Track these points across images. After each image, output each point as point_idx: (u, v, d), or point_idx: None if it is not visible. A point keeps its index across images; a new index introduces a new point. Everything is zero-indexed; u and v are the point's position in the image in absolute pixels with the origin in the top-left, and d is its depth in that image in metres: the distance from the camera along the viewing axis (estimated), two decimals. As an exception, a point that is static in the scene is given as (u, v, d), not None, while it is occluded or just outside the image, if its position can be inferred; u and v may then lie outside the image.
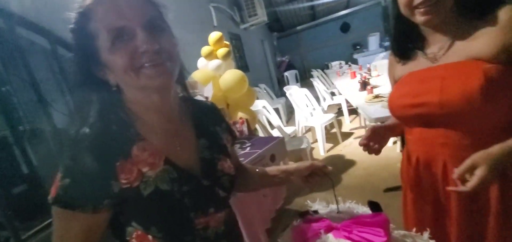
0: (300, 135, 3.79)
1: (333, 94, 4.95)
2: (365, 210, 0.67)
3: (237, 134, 1.93)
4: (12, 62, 1.50)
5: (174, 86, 0.59)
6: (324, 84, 5.39)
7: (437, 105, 0.70)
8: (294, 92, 3.88)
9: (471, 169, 0.62)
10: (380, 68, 4.16)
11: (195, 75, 2.22)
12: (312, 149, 3.60)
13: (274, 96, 6.24)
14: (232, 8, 5.74)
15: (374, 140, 0.88)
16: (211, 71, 2.31)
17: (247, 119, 1.89)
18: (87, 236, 0.51)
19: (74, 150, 0.50)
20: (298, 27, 10.53)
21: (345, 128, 4.24)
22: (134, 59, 0.49)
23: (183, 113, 0.63)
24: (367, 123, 3.81)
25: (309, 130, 4.10)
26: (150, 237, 0.54)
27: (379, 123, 0.91)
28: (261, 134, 3.00)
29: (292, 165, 0.75)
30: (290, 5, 8.55)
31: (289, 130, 3.49)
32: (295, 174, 0.73)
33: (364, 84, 3.03)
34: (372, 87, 2.81)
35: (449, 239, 0.79)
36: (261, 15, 6.04)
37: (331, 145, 3.71)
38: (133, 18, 0.49)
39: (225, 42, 2.43)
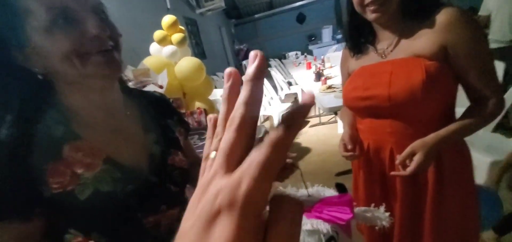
0: (258, 123, 3.83)
1: (290, 84, 5.10)
2: (332, 192, 0.72)
3: (195, 124, 1.86)
4: None
5: (118, 74, 0.52)
6: (282, 74, 5.51)
7: (386, 98, 0.76)
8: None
9: (411, 155, 0.73)
10: (332, 60, 4.40)
11: (148, 62, 2.06)
12: (270, 137, 3.68)
13: (232, 85, 6.16)
14: (188, -9, 5.45)
15: (354, 146, 0.90)
16: (166, 58, 2.16)
17: (205, 109, 1.83)
18: None
19: None
20: (256, 15, 10.50)
21: (301, 117, 4.41)
22: (82, 44, 0.44)
23: (128, 106, 0.57)
24: (321, 111, 4.02)
25: (267, 118, 4.17)
26: None
27: (346, 129, 0.95)
28: (219, 123, 2.94)
29: None
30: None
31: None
32: None
33: (319, 75, 3.17)
34: (326, 78, 2.96)
35: (395, 215, 0.88)
36: (218, 0, 5.87)
37: (288, 133, 3.84)
38: None
39: (180, 27, 2.29)
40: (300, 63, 5.33)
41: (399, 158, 0.75)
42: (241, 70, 8.70)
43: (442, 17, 0.70)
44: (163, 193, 0.56)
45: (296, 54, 6.75)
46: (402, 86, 0.73)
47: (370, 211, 0.66)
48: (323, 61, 4.14)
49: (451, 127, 0.74)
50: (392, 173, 0.80)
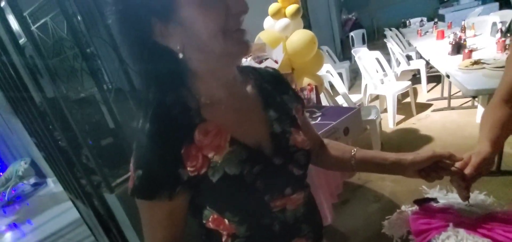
0: (366, 104, 3.47)
1: (409, 58, 4.32)
2: (503, 205, 0.58)
3: (305, 102, 1.84)
4: (94, 24, 1.63)
5: None
6: (400, 46, 4.71)
7: None
8: (363, 55, 3.48)
9: None
10: (478, 27, 3.40)
11: (262, 36, 2.13)
12: (380, 120, 3.29)
13: (336, 60, 5.78)
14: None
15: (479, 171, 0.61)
16: (278, 32, 2.17)
17: (316, 87, 1.76)
18: (171, 219, 0.50)
19: (141, 140, 0.47)
20: (369, -21, 9.19)
21: (422, 98, 3.71)
22: (227, 21, 0.43)
23: (246, 84, 0.56)
24: (453, 93, 3.24)
25: (377, 97, 3.71)
26: (226, 221, 0.52)
27: (485, 143, 0.64)
28: (324, 101, 2.83)
29: (407, 155, 0.61)
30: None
31: (354, 97, 3.22)
32: (410, 168, 0.60)
33: (458, 47, 2.52)
34: (471, 50, 2.31)
35: None
36: (329, -34, 5.40)
37: (402, 116, 3.32)
38: None
39: (294, -2, 2.23)
40: (427, 32, 4.36)
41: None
42: (347, 42, 7.98)
43: None
44: (287, 176, 0.54)
45: (421, 21, 5.55)
46: None
47: None
48: (463, 28, 3.24)
49: None
50: None
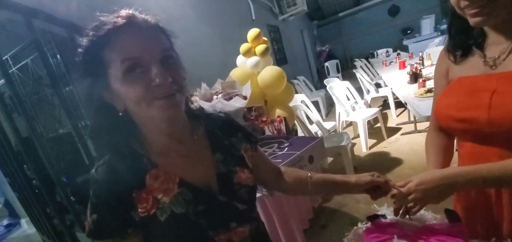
0: (340, 130, 3.65)
1: (378, 86, 4.63)
2: (438, 218, 0.68)
3: (275, 132, 1.94)
4: (73, 64, 1.69)
5: (182, 110, 0.58)
6: (369, 75, 5.07)
7: (485, 124, 0.62)
8: (335, 85, 3.72)
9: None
10: (434, 57, 3.76)
11: (234, 74, 2.28)
12: (354, 145, 3.45)
13: (313, 88, 6.08)
14: (271, 0, 5.68)
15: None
16: (249, 68, 2.33)
17: (285, 118, 1.89)
18: None
19: (95, 187, 0.53)
20: (340, 14, 9.98)
21: (391, 123, 3.95)
22: (148, 91, 0.49)
23: (196, 130, 0.63)
24: (416, 118, 3.50)
25: (351, 124, 3.91)
26: None
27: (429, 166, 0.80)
28: (299, 130, 2.96)
29: (351, 177, 0.73)
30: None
31: (328, 125, 3.38)
32: (355, 188, 0.72)
33: (415, 76, 2.78)
34: (424, 80, 2.55)
35: None
36: (301, 4, 5.88)
37: (374, 141, 3.51)
38: (148, 51, 0.49)
39: (263, 38, 2.43)
40: (391, 62, 4.75)
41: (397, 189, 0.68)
42: (323, 71, 8.44)
43: None
44: (232, 211, 0.59)
45: (387, 51, 6.04)
46: (507, 109, 0.58)
47: None
48: (421, 58, 3.59)
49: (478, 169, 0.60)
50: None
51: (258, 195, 1.34)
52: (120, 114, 0.53)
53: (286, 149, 1.51)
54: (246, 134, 0.72)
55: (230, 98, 1.64)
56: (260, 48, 2.35)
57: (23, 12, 1.43)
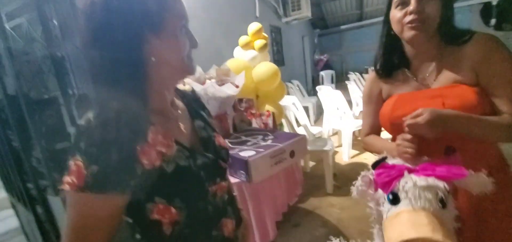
0: (326, 136, 3.75)
1: (368, 101, 4.77)
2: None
3: (262, 125, 2.00)
4: (69, 31, 1.68)
5: None
6: (360, 89, 5.20)
7: None
8: (326, 92, 3.82)
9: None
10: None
11: (230, 63, 2.32)
12: (336, 152, 3.56)
13: (306, 94, 6.17)
14: (277, 1, 5.73)
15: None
16: (246, 61, 2.38)
17: (273, 113, 1.95)
18: (111, 221, 0.52)
19: (94, 136, 0.48)
20: (342, 27, 10.15)
21: (375, 138, 4.09)
22: (190, 49, 0.61)
23: (177, 100, 0.70)
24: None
25: (336, 133, 4.02)
26: (172, 208, 0.58)
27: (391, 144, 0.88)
28: (286, 129, 3.04)
29: None
30: (337, 1, 8.25)
31: (315, 129, 3.47)
32: None
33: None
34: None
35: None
36: (305, 10, 5.96)
37: (356, 152, 3.62)
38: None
39: (263, 34, 2.48)
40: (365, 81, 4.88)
41: (408, 117, 0.73)
42: (318, 80, 8.58)
43: (477, 43, 0.75)
44: (218, 168, 0.68)
45: (381, 70, 6.22)
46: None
47: (474, 177, 0.65)
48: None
49: (473, 115, 0.71)
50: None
51: (235, 180, 1.39)
52: (153, 59, 0.55)
53: (270, 141, 1.57)
54: (208, 111, 0.82)
55: (222, 85, 1.68)
56: (259, 43, 2.40)
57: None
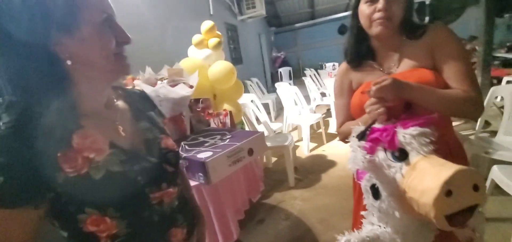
0: (285, 131, 3.84)
1: (323, 95, 5.02)
2: None
3: (220, 125, 1.96)
4: None
5: None
6: (316, 84, 5.45)
7: (403, 101, 0.81)
8: (284, 89, 3.91)
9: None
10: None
11: (183, 63, 2.23)
12: (297, 147, 3.67)
13: (265, 91, 6.27)
14: (231, -1, 5.71)
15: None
16: (200, 60, 2.31)
17: (230, 112, 1.92)
18: (24, 236, 0.48)
19: (3, 146, 0.44)
20: (297, 25, 10.53)
21: (332, 129, 4.31)
22: (119, 45, 0.55)
23: (117, 100, 0.65)
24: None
25: (296, 128, 4.15)
26: (107, 218, 0.53)
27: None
28: (247, 127, 3.04)
29: None
30: (289, 1, 8.52)
31: (275, 125, 3.53)
32: None
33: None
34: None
35: None
36: (260, 8, 6.03)
37: (315, 144, 3.79)
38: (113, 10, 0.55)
39: (217, 32, 2.44)
40: (335, 74, 5.20)
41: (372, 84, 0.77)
42: (276, 77, 8.78)
43: (431, 32, 0.85)
44: (163, 173, 0.63)
45: (334, 65, 6.59)
46: None
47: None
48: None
49: (426, 86, 0.78)
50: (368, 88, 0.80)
51: (194, 183, 1.34)
52: (68, 63, 0.50)
53: (228, 140, 1.54)
54: (159, 111, 0.78)
55: (175, 85, 1.60)
56: (213, 41, 2.34)
57: None
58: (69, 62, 0.50)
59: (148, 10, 2.92)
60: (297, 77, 9.18)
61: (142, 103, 0.72)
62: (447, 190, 0.53)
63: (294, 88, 4.05)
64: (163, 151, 0.65)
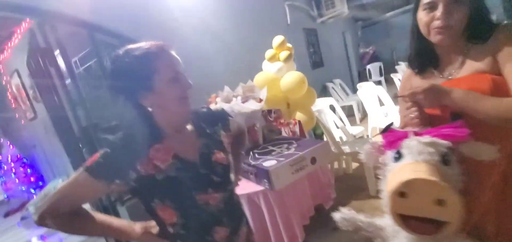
0: (370, 136, 3.57)
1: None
2: None
3: (291, 133, 2.08)
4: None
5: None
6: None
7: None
8: (366, 90, 3.65)
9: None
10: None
11: (258, 77, 2.47)
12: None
13: (349, 92, 5.94)
14: (309, 3, 5.71)
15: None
16: (273, 73, 2.50)
17: (299, 121, 2.01)
18: (88, 199, 0.78)
19: (111, 144, 0.69)
20: (388, 14, 9.42)
21: (430, 132, 3.71)
22: (183, 92, 0.76)
23: (190, 122, 0.85)
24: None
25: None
26: (168, 208, 0.75)
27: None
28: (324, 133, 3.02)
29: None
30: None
31: (356, 129, 3.35)
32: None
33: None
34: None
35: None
36: (340, 7, 5.77)
37: (406, 150, 3.36)
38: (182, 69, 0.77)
39: (287, 45, 2.58)
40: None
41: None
42: (364, 74, 8.11)
43: (497, 34, 0.77)
44: (209, 180, 0.79)
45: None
46: None
47: (479, 145, 0.68)
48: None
49: (471, 91, 0.73)
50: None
51: (260, 188, 1.51)
52: (149, 109, 0.76)
53: (293, 149, 1.65)
54: (226, 124, 0.94)
55: (246, 100, 1.83)
56: (284, 54, 2.50)
57: (87, 26, 1.88)
58: (150, 109, 0.76)
59: (230, 33, 3.34)
60: (389, 73, 8.22)
61: (209, 121, 0.89)
62: (401, 191, 0.60)
63: (378, 88, 3.71)
64: (213, 164, 0.82)
